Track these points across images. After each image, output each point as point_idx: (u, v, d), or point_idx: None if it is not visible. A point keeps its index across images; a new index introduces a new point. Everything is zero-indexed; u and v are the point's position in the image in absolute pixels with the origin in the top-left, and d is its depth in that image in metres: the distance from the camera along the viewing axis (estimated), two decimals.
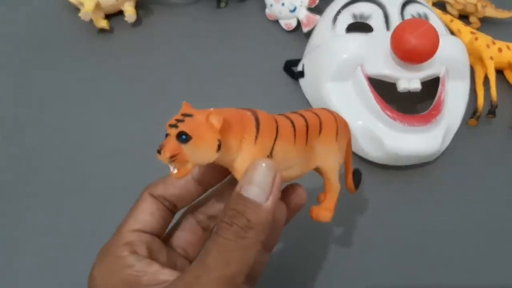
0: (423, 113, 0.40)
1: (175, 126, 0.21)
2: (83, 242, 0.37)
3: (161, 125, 0.45)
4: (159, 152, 0.21)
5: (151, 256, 0.24)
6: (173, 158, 0.21)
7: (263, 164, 0.23)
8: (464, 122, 0.45)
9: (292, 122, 0.25)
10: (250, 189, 0.23)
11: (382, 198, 0.41)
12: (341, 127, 0.28)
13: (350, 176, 0.32)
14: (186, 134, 0.21)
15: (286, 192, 0.28)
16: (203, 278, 0.21)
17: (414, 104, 0.45)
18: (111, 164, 0.42)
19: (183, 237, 0.28)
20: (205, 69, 0.49)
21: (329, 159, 0.28)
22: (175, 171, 0.22)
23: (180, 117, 0.22)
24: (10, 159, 0.43)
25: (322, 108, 0.29)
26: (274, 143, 0.24)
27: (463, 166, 0.43)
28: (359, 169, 0.33)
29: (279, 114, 0.25)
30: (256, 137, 0.23)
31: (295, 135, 0.25)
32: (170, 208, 0.27)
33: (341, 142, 0.29)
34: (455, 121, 0.43)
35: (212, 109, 0.22)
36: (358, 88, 0.41)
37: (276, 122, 0.24)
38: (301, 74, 0.47)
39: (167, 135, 0.22)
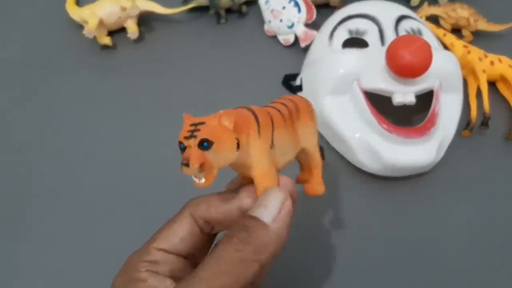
0: (418, 125, 0.41)
1: (192, 136, 0.22)
2: (96, 253, 0.38)
3: (164, 138, 0.47)
4: (186, 165, 0.21)
5: (174, 275, 0.24)
6: (202, 167, 0.21)
7: (274, 189, 0.24)
8: (458, 133, 0.46)
9: (279, 110, 0.27)
10: (257, 209, 0.23)
11: (379, 207, 0.42)
12: (312, 109, 0.31)
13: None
14: (207, 140, 0.21)
15: None
16: None
17: (409, 117, 0.46)
18: (115, 178, 0.43)
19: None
20: (206, 83, 0.50)
21: (311, 139, 0.30)
22: (202, 180, 0.22)
23: (192, 128, 0.22)
24: (15, 174, 0.44)
25: (293, 95, 0.30)
26: (273, 133, 0.25)
27: (457, 176, 0.44)
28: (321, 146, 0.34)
29: (264, 107, 0.27)
30: (259, 130, 0.24)
31: (284, 122, 0.26)
32: (207, 230, 0.26)
33: (315, 123, 0.31)
34: (449, 133, 0.44)
35: (221, 111, 0.23)
36: (355, 102, 0.42)
37: (269, 113, 0.26)
38: (299, 88, 0.48)
39: (183, 148, 0.22)
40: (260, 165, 0.24)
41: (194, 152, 0.21)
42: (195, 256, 0.26)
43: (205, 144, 0.21)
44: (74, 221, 0.41)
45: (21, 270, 0.39)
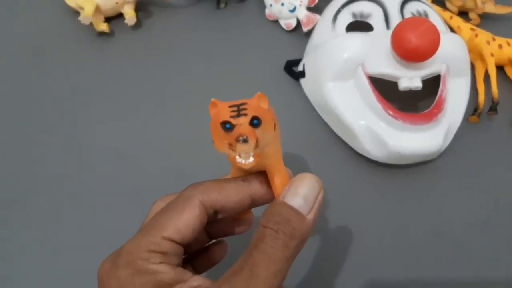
0: (425, 111, 0.40)
1: (242, 115, 0.21)
2: (88, 247, 0.37)
3: (163, 126, 0.46)
4: (245, 141, 0.21)
5: (180, 265, 0.24)
6: (257, 143, 0.21)
7: (310, 178, 0.24)
8: (466, 119, 0.45)
9: None
10: (295, 200, 0.23)
11: (385, 196, 0.42)
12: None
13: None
14: (257, 118, 0.21)
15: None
16: None
17: (416, 103, 0.45)
18: (112, 167, 0.43)
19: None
20: (205, 70, 0.49)
21: None
22: (250, 160, 0.21)
23: (235, 108, 0.21)
24: (11, 163, 0.43)
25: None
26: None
27: (465, 163, 0.44)
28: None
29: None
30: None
31: None
32: (212, 217, 0.25)
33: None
34: (456, 119, 0.43)
35: (258, 93, 0.22)
36: (360, 88, 0.41)
37: None
38: (302, 74, 0.47)
39: (229, 127, 0.21)
40: (278, 154, 0.24)
41: (248, 129, 0.21)
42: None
43: (256, 121, 0.21)
44: (72, 214, 0.40)
45: (21, 264, 0.38)
